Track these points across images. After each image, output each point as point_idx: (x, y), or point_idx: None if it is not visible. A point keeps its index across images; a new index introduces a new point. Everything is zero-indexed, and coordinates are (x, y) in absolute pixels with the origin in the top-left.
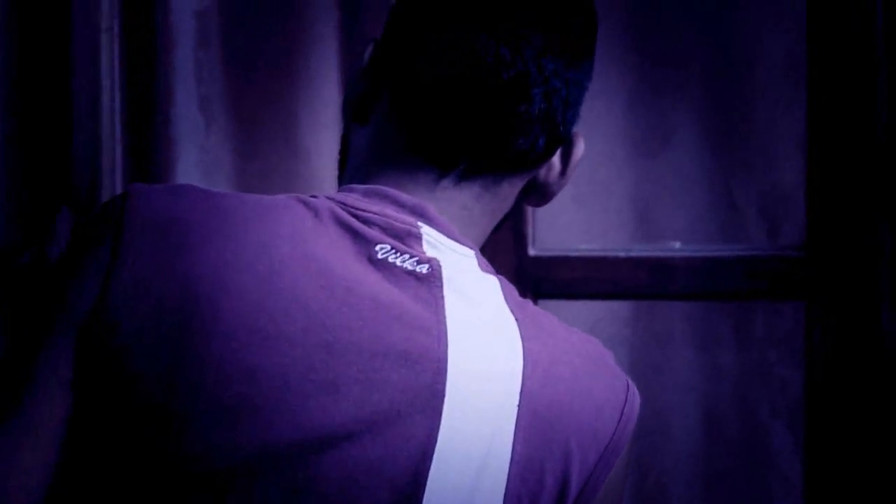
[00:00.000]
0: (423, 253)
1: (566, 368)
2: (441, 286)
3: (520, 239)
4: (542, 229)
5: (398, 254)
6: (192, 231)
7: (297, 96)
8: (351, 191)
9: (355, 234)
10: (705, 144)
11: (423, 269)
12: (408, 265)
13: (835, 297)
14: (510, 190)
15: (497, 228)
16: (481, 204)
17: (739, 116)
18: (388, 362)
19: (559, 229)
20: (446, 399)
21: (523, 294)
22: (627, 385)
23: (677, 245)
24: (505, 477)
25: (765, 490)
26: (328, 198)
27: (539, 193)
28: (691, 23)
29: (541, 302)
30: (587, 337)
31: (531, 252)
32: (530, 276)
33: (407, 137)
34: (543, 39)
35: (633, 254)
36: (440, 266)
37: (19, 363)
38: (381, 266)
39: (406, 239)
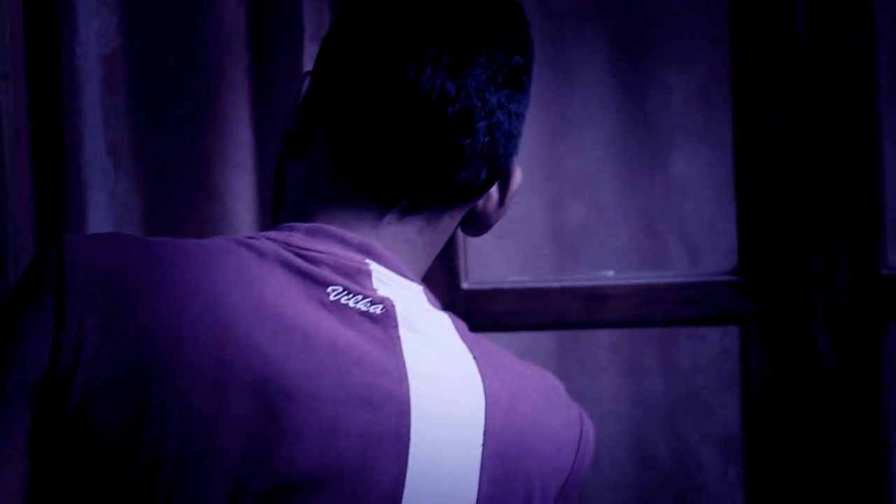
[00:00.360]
0: (375, 292)
1: (526, 405)
2: (396, 326)
3: (453, 273)
4: (474, 262)
5: (350, 295)
6: (138, 284)
7: (207, 138)
8: (292, 229)
9: (304, 276)
10: (624, 173)
11: (377, 309)
12: (361, 306)
13: (769, 322)
14: (451, 222)
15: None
16: (423, 237)
17: (657, 145)
18: (350, 408)
19: (490, 262)
20: (411, 443)
21: None
22: (580, 417)
23: (610, 273)
24: None
25: None
26: (269, 238)
27: (478, 224)
28: (609, 56)
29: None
30: (540, 370)
31: (464, 286)
32: (463, 310)
33: (346, 173)
34: (487, 71)
35: (565, 284)
36: (393, 305)
37: None
38: (335, 308)
39: (356, 277)
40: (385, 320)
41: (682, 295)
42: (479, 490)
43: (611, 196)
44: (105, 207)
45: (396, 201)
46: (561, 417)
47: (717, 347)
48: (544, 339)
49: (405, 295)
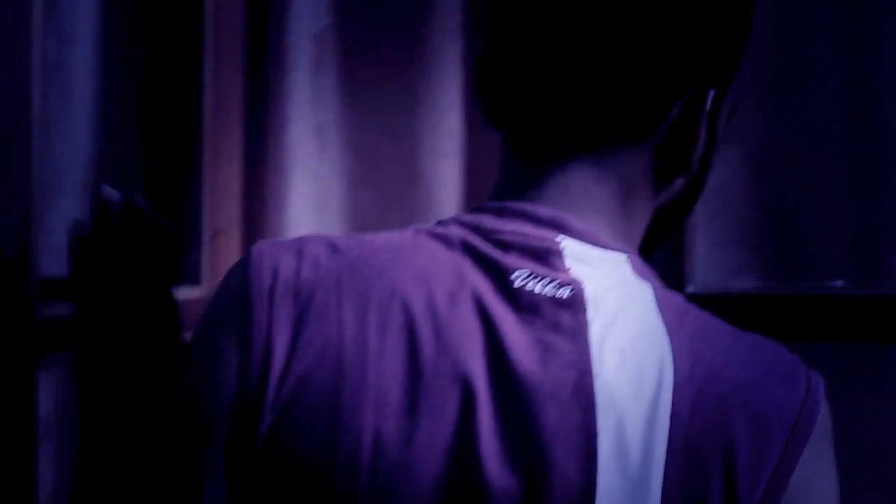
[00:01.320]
0: (567, 272)
1: (723, 384)
2: (584, 310)
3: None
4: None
5: (537, 279)
6: (326, 294)
7: (417, 123)
8: (481, 211)
9: (490, 266)
10: None
11: (565, 292)
12: (548, 291)
13: None
14: (633, 163)
15: (666, 224)
16: (603, 186)
17: None
18: (537, 405)
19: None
20: (599, 438)
21: None
22: (806, 394)
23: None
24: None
25: None
26: (459, 223)
27: (671, 163)
28: None
29: None
30: (763, 340)
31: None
32: None
33: (508, 136)
34: None
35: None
36: (582, 288)
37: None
38: (520, 296)
39: (547, 258)
40: (573, 305)
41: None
42: (666, 477)
43: None
44: (307, 192)
45: (552, 146)
46: (774, 393)
47: None
48: None
49: (603, 269)
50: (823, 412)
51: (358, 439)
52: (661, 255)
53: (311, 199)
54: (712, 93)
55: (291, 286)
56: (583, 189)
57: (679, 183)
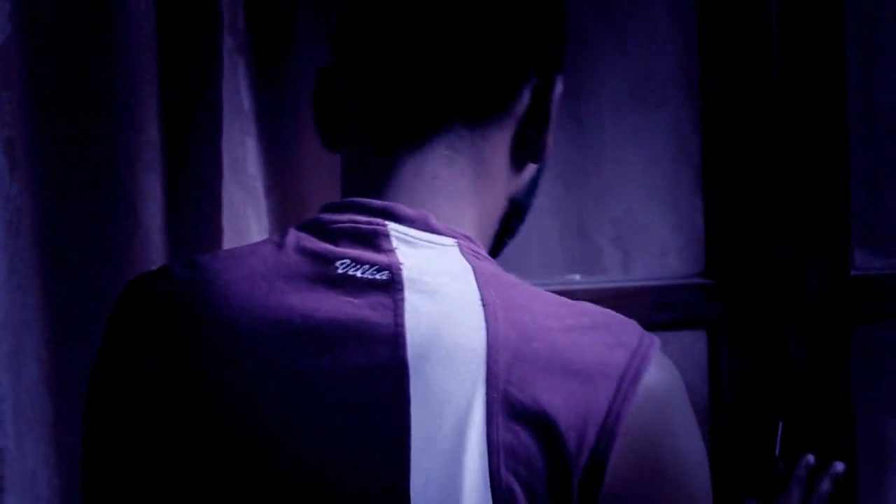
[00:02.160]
0: (389, 255)
1: (541, 344)
2: (402, 289)
3: None
4: None
5: (358, 265)
6: (170, 339)
7: (115, 136)
8: (323, 209)
9: (315, 256)
10: (555, 172)
11: (383, 276)
12: (367, 275)
13: (739, 325)
14: (487, 145)
15: (516, 218)
16: (455, 168)
17: (589, 143)
18: (349, 384)
19: None
20: (412, 406)
21: None
22: (633, 350)
23: (577, 277)
24: (487, 466)
25: None
26: (299, 225)
27: (526, 146)
28: None
29: None
30: (592, 308)
31: None
32: None
33: (353, 123)
34: None
35: None
36: (400, 269)
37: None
38: (342, 282)
39: (374, 242)
40: (390, 285)
41: (653, 299)
42: (489, 436)
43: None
44: None
45: (399, 133)
46: (596, 351)
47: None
48: None
49: (428, 253)
50: (655, 370)
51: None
52: None
53: (2, 220)
54: (560, 78)
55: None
56: (435, 174)
57: (531, 169)
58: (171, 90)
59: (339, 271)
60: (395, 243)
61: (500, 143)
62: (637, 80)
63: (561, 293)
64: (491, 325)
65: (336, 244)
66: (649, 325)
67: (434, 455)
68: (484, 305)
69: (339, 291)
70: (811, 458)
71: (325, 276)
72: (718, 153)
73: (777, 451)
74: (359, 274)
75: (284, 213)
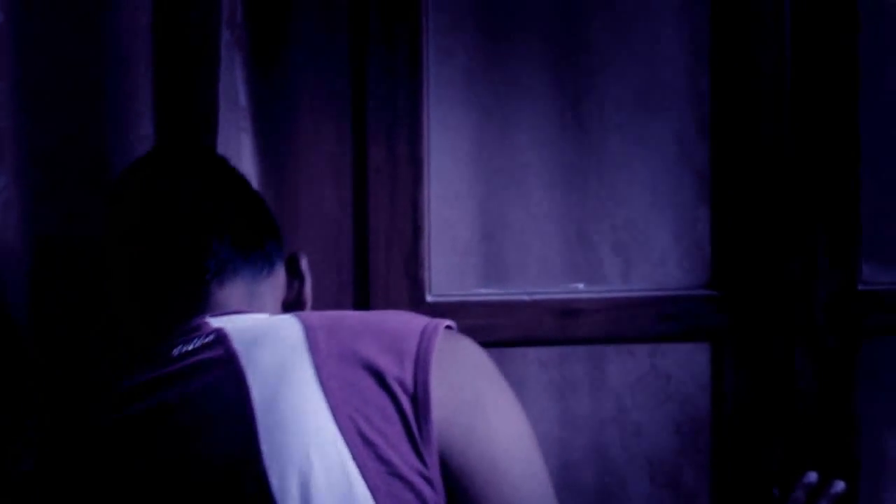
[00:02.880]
0: (211, 329)
1: (351, 319)
2: (231, 341)
3: (417, 284)
4: (440, 274)
5: (189, 342)
6: None
7: (108, 130)
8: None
9: (158, 357)
10: (556, 181)
11: (211, 336)
12: (199, 342)
13: (744, 337)
14: (266, 286)
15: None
16: (253, 297)
17: (591, 149)
18: (198, 408)
19: (457, 273)
20: (256, 412)
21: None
22: (427, 319)
23: (580, 286)
24: (326, 403)
25: None
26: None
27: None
28: (544, 52)
29: None
30: (393, 312)
31: (429, 298)
32: None
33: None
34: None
35: (537, 297)
36: (223, 329)
37: None
38: (180, 359)
39: (198, 330)
40: (220, 340)
41: (656, 310)
42: (321, 378)
43: (539, 202)
44: None
45: (217, 279)
46: (396, 318)
47: (647, 365)
48: None
49: (240, 319)
50: (449, 330)
51: None
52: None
53: None
54: (304, 255)
55: None
56: (238, 298)
57: (295, 287)
58: (166, 84)
59: (174, 354)
60: (214, 324)
61: (276, 283)
62: (641, 86)
63: (563, 302)
64: (304, 319)
65: (173, 346)
66: (652, 337)
67: (274, 412)
68: (296, 316)
69: (180, 363)
70: (813, 475)
71: (166, 365)
72: (727, 162)
73: (775, 475)
74: (191, 347)
75: (278, 211)
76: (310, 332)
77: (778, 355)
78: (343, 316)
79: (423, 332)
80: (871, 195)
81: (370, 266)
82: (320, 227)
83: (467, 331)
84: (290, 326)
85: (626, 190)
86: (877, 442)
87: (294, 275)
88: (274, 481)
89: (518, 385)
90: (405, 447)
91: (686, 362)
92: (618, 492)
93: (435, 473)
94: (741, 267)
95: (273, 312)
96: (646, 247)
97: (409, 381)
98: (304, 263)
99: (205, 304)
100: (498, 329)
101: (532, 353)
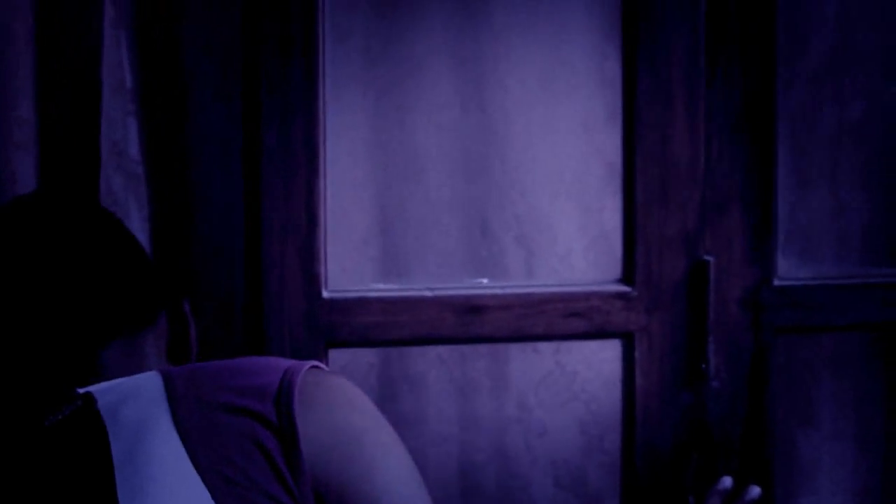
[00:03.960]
0: (77, 394)
1: (209, 367)
2: (94, 400)
3: (312, 279)
4: (336, 268)
5: (58, 412)
6: None
7: None
8: None
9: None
10: (457, 168)
11: (78, 402)
12: (67, 411)
13: (658, 334)
14: (143, 348)
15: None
16: (131, 360)
17: (494, 134)
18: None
19: (354, 267)
20: (115, 466)
21: (315, 342)
22: (289, 365)
23: (484, 281)
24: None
25: None
26: None
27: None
28: (444, 31)
29: (332, 352)
30: (251, 358)
31: (325, 294)
32: (325, 322)
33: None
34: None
35: (438, 293)
36: (92, 394)
37: None
38: (51, 428)
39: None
40: (87, 404)
41: (565, 306)
42: (182, 437)
43: (439, 193)
44: None
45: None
46: (259, 361)
47: (551, 362)
48: (365, 354)
49: (106, 385)
50: (308, 378)
51: None
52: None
53: None
54: (186, 301)
55: None
56: (119, 363)
57: (178, 332)
58: (47, 62)
59: (47, 424)
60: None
61: (154, 344)
62: (547, 68)
63: (466, 298)
64: (164, 371)
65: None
66: (560, 335)
67: (134, 464)
68: (158, 370)
69: (51, 432)
70: (728, 480)
71: (39, 440)
72: (636, 151)
73: (689, 483)
74: (59, 415)
75: (166, 199)
76: (168, 383)
77: (690, 353)
78: (205, 364)
79: (286, 371)
80: (787, 189)
81: (263, 259)
82: (209, 215)
83: (365, 328)
84: (150, 379)
85: (530, 179)
86: (788, 441)
87: (176, 319)
88: None
89: (418, 384)
90: (273, 486)
91: (594, 361)
92: (520, 495)
93: None
94: (652, 261)
95: (157, 362)
96: (550, 239)
97: (272, 416)
98: (187, 308)
99: (79, 371)
100: (397, 327)
101: (432, 350)
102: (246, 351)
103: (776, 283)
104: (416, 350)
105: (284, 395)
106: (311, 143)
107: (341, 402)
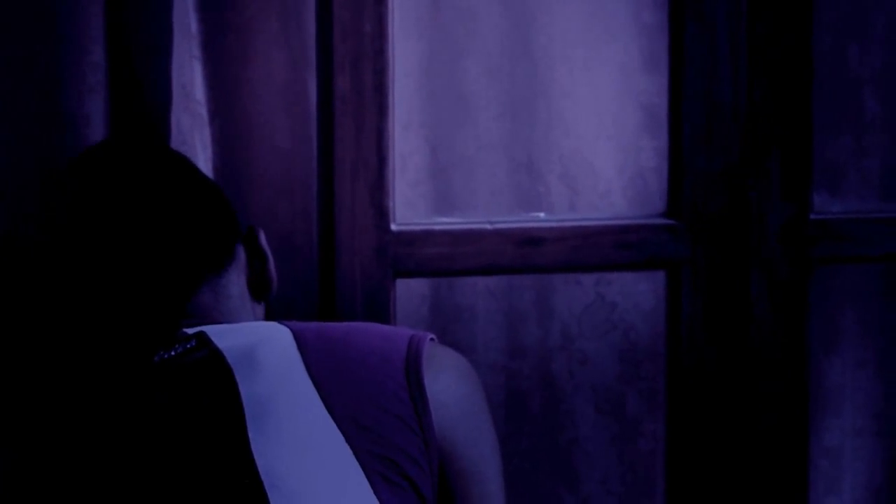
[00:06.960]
0: (188, 334)
1: (335, 329)
2: (210, 340)
3: (382, 213)
4: (403, 202)
5: (171, 350)
6: None
7: (58, 57)
8: None
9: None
10: (505, 111)
11: (192, 342)
12: (179, 348)
13: (702, 265)
14: (230, 284)
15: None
16: (221, 304)
17: (539, 81)
18: (192, 423)
19: (410, 204)
20: (247, 417)
21: (384, 273)
22: (413, 334)
23: (541, 215)
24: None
25: (569, 467)
26: None
27: (254, 284)
28: None
29: (399, 282)
30: (372, 325)
31: (394, 227)
32: (392, 253)
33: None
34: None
35: (499, 226)
36: (204, 332)
37: None
38: (163, 365)
39: (187, 340)
40: (202, 343)
41: (613, 238)
42: (313, 375)
43: (487, 132)
44: None
45: (185, 284)
46: (381, 327)
47: (592, 293)
48: (419, 286)
49: (218, 328)
50: (432, 349)
51: None
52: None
53: None
54: (260, 230)
55: None
56: (209, 303)
57: (257, 267)
58: (117, 8)
59: (156, 360)
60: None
61: (240, 278)
62: (588, 17)
63: (525, 231)
64: (288, 324)
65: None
66: (608, 266)
67: (265, 406)
68: (292, 330)
69: (163, 370)
70: None
71: (148, 364)
72: (686, 93)
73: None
74: (173, 352)
75: (229, 141)
76: (297, 335)
77: (733, 283)
78: (328, 324)
79: (411, 338)
80: (822, 126)
81: (335, 197)
82: (273, 158)
83: (430, 259)
84: (276, 329)
85: (572, 121)
86: (816, 367)
87: (254, 254)
88: (261, 462)
89: (467, 315)
90: (401, 436)
91: (631, 293)
92: (563, 420)
93: (432, 468)
94: (697, 197)
95: (241, 298)
96: (591, 177)
97: (401, 377)
98: (262, 240)
99: (175, 310)
100: (460, 258)
101: (482, 282)
102: (315, 286)
103: (812, 216)
104: (468, 281)
105: (413, 360)
106: (381, 88)
107: (465, 374)
